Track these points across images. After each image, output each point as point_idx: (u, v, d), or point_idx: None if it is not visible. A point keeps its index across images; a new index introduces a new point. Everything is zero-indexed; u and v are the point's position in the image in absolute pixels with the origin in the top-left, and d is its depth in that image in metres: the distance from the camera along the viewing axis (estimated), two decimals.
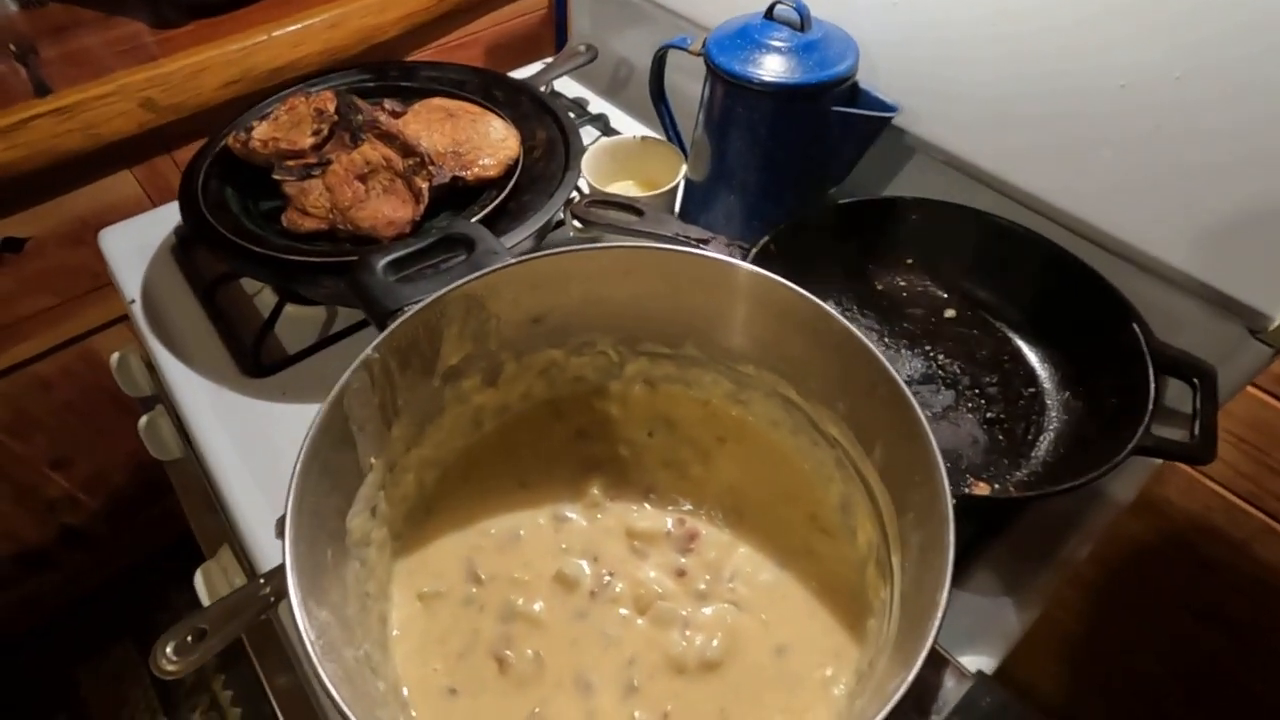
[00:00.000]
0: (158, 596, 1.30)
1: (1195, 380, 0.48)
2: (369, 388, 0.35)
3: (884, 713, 0.24)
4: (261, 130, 0.61)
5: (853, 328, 0.35)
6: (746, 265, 0.37)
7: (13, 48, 0.87)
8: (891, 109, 0.56)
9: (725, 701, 0.35)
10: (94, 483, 1.10)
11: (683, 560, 0.40)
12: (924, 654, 0.24)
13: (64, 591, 1.20)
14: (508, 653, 0.36)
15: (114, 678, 1.21)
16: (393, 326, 0.35)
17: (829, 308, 0.36)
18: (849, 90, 0.57)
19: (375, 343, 0.34)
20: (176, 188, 0.94)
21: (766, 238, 0.55)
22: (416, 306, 0.36)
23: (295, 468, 0.30)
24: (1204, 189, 0.48)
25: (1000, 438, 0.53)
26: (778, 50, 0.55)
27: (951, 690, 0.25)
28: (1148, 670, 0.91)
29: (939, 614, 0.25)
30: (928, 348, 0.58)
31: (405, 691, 0.35)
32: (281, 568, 0.46)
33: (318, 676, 0.25)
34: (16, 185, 0.81)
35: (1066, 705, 1.03)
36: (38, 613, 1.20)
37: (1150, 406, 0.46)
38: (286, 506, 0.28)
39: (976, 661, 0.45)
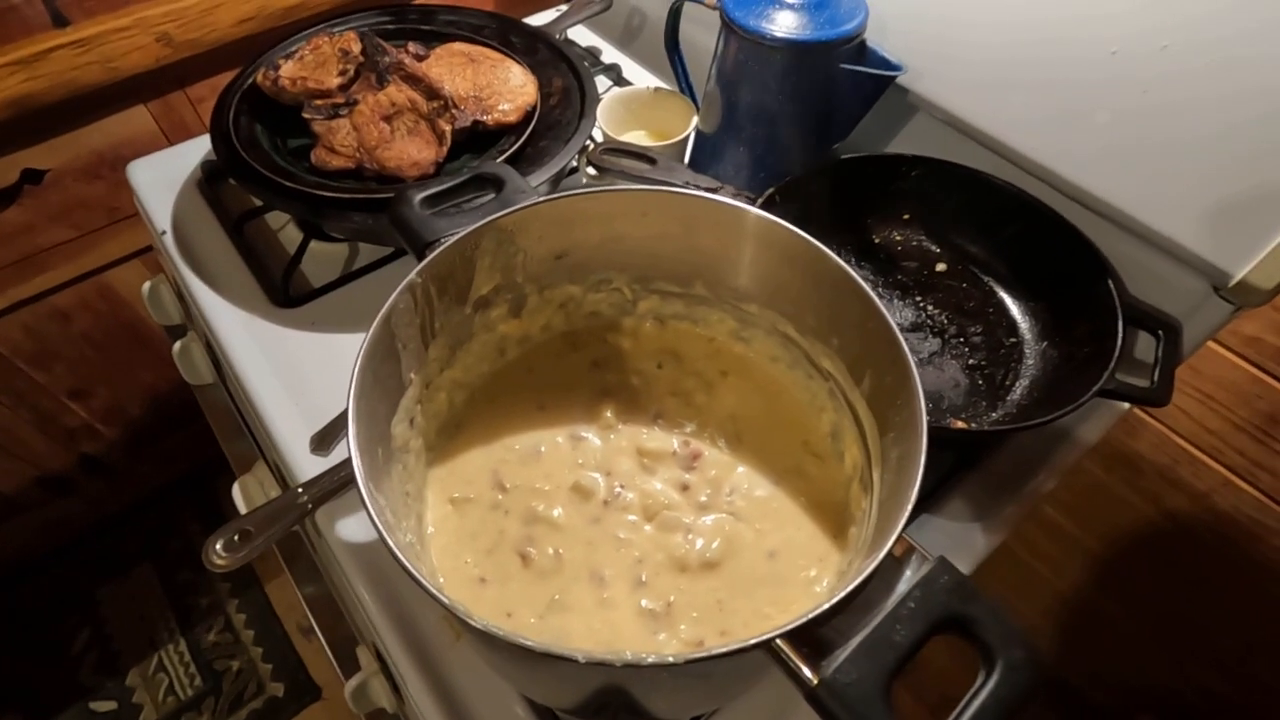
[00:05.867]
0: (173, 523, 1.36)
1: (1160, 332, 0.53)
2: (412, 309, 0.38)
3: (857, 582, 0.28)
4: (289, 69, 0.63)
5: (847, 267, 0.38)
6: (755, 210, 0.41)
7: None
8: (897, 68, 0.59)
9: (722, 595, 0.40)
10: (111, 414, 1.14)
11: (687, 476, 0.45)
12: (895, 534, 0.28)
13: (85, 516, 1.25)
14: (530, 550, 0.41)
15: (133, 598, 1.28)
16: (433, 255, 0.39)
17: (827, 250, 0.40)
18: (857, 48, 0.59)
19: (418, 268, 0.38)
20: (190, 123, 0.97)
21: (772, 189, 0.58)
22: (454, 237, 0.39)
23: (353, 374, 0.34)
24: (1180, 154, 0.51)
25: (980, 382, 0.57)
26: (791, 7, 0.57)
27: (915, 571, 0.30)
28: (1115, 615, 0.98)
29: (909, 506, 0.29)
30: (919, 299, 0.62)
31: (441, 579, 0.40)
32: (317, 479, 0.50)
33: (386, 546, 0.29)
34: (37, 116, 0.82)
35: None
36: (60, 535, 1.26)
37: (1116, 354, 0.50)
38: (348, 407, 0.32)
39: None
